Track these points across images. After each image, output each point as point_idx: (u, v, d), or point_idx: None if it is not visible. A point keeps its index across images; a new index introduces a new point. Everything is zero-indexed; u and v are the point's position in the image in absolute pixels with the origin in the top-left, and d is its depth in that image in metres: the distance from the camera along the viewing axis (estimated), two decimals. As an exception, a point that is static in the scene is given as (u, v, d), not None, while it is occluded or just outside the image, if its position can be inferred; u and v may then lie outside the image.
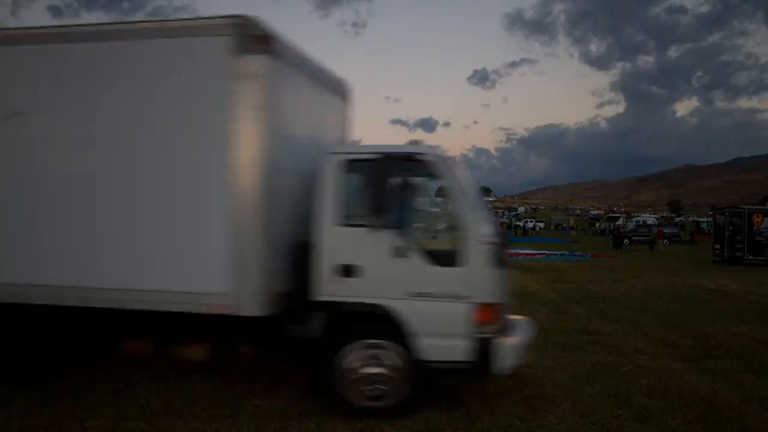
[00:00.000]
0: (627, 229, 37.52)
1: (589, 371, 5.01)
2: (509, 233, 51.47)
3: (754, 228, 18.56)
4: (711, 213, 32.38)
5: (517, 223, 64.49)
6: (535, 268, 16.45)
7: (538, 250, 25.73)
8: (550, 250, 25.27)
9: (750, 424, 3.79)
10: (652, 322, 7.61)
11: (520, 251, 24.73)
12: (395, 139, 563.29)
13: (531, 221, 63.80)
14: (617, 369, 5.09)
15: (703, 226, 41.04)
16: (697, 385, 4.65)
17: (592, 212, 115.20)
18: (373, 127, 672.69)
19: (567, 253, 24.10)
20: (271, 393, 4.33)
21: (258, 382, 4.60)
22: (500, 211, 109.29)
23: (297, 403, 4.10)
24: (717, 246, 19.81)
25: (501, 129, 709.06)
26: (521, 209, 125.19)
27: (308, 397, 4.23)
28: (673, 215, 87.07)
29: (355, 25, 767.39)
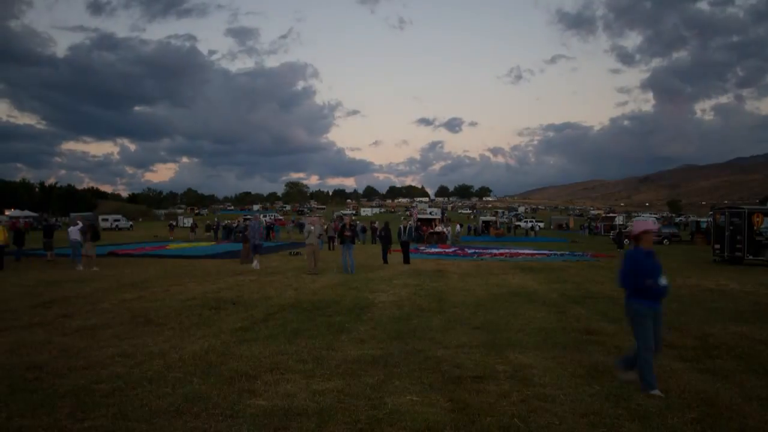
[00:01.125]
0: (627, 229, 37.55)
1: (589, 371, 5.01)
2: (509, 233, 51.68)
3: (754, 228, 18.56)
4: (711, 213, 32.36)
5: (517, 223, 64.53)
6: (535, 268, 16.46)
7: (538, 250, 25.74)
8: (550, 250, 25.30)
9: (750, 424, 3.79)
10: (652, 322, 7.60)
11: (521, 251, 24.76)
12: (417, 138, 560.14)
13: (531, 221, 63.83)
14: (617, 369, 5.08)
15: (703, 226, 41.00)
16: (697, 385, 4.65)
17: (592, 212, 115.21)
18: (398, 127, 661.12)
19: (567, 253, 24.10)
20: (271, 393, 4.34)
21: (258, 382, 4.61)
22: (500, 210, 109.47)
23: (297, 403, 4.10)
24: (717, 246, 19.81)
25: (526, 128, 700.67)
26: (521, 209, 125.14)
27: (308, 396, 4.24)
28: (673, 215, 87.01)
29: (401, 20, 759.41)
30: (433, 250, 26.00)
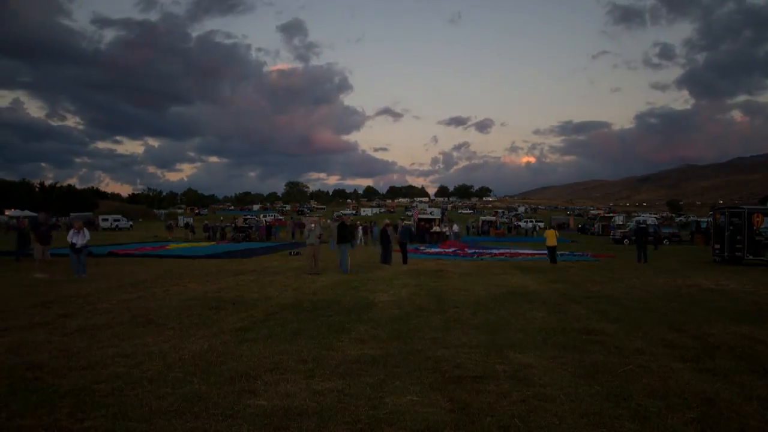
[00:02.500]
0: (627, 229, 37.54)
1: (589, 371, 5.01)
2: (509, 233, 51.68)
3: (754, 228, 18.56)
4: (711, 213, 32.36)
5: (517, 222, 64.52)
6: (536, 268, 16.46)
7: (538, 250, 25.73)
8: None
9: (750, 424, 3.79)
10: (652, 322, 7.61)
11: (521, 251, 24.76)
12: (445, 137, 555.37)
13: (531, 221, 63.83)
14: (617, 369, 5.09)
15: (703, 226, 40.99)
16: (697, 385, 4.65)
17: (592, 212, 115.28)
18: (429, 126, 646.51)
19: (567, 253, 24.10)
20: (271, 393, 4.34)
21: (258, 382, 4.61)
22: (500, 210, 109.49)
23: (297, 403, 4.10)
24: (717, 246, 19.81)
25: (549, 127, 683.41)
26: (521, 209, 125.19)
27: (308, 396, 4.24)
28: (673, 215, 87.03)
29: (453, 14, 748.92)
30: (433, 250, 26.01)
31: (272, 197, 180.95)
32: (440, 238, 33.42)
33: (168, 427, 3.64)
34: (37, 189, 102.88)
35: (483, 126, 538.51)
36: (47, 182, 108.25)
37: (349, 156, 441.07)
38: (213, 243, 31.85)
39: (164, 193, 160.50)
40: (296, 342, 6.12)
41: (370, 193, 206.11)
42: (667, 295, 10.60)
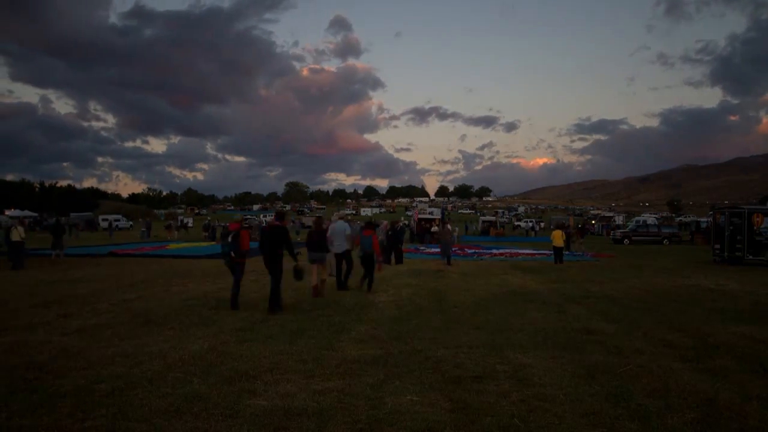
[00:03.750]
0: (627, 229, 37.55)
1: (589, 371, 5.01)
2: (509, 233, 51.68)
3: (754, 228, 18.56)
4: (711, 213, 32.34)
5: (517, 223, 64.54)
6: (536, 269, 16.47)
7: (537, 250, 25.73)
8: (550, 250, 25.27)
9: (750, 424, 3.79)
10: (652, 322, 7.61)
11: (521, 251, 24.77)
12: (471, 136, 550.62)
13: (531, 221, 63.86)
14: (617, 369, 5.09)
15: (703, 226, 41.01)
16: (697, 385, 4.65)
17: (592, 212, 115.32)
18: (457, 126, 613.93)
19: (567, 253, 24.09)
20: (271, 393, 4.34)
21: (258, 382, 4.61)
22: (500, 210, 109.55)
23: (297, 403, 4.10)
24: (717, 246, 19.82)
25: (571, 126, 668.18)
26: (521, 209, 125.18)
27: (308, 396, 4.24)
28: (673, 215, 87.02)
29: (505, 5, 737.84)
30: (433, 250, 26.00)
31: (272, 197, 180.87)
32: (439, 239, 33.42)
33: (168, 427, 3.64)
34: (37, 189, 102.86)
35: (511, 126, 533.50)
36: (69, 182, 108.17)
37: (370, 156, 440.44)
38: (213, 243, 31.84)
39: (164, 193, 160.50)
40: (296, 342, 6.12)
41: (370, 192, 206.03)
42: (667, 295, 10.60)
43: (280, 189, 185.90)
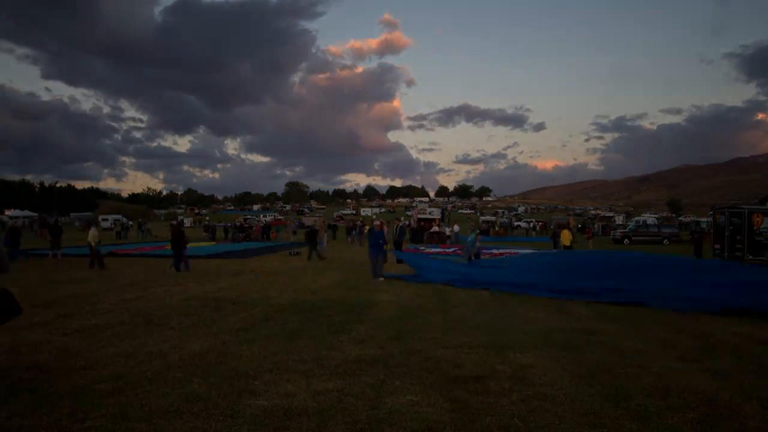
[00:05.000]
0: (627, 229, 37.55)
1: (589, 371, 5.01)
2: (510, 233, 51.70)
3: (754, 228, 18.56)
4: (711, 213, 32.33)
5: (517, 223, 64.57)
6: (535, 268, 16.46)
7: (537, 249, 25.72)
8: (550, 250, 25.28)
9: (750, 424, 3.79)
10: (652, 322, 7.61)
11: (521, 251, 24.77)
12: (496, 135, 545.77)
13: (531, 221, 63.91)
14: (617, 369, 5.09)
15: (703, 226, 41.02)
16: (697, 385, 4.65)
17: (592, 212, 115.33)
18: (485, 126, 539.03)
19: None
20: (271, 393, 4.34)
21: (258, 382, 4.61)
22: (500, 210, 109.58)
23: (297, 403, 4.10)
24: (717, 246, 19.82)
25: (591, 124, 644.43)
26: (521, 209, 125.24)
27: (308, 396, 4.24)
28: (674, 215, 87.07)
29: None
30: (433, 250, 26.01)
31: (272, 197, 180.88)
32: (440, 239, 33.36)
33: (168, 427, 3.64)
34: (37, 189, 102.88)
35: (539, 127, 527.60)
36: (91, 183, 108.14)
37: (392, 156, 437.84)
38: (213, 243, 31.85)
39: (164, 193, 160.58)
40: (296, 342, 6.12)
41: (370, 192, 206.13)
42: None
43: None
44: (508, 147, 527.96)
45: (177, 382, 4.60)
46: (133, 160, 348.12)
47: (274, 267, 16.34)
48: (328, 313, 8.01)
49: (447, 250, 25.20)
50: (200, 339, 6.26)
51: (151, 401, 4.11)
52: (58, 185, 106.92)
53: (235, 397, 4.22)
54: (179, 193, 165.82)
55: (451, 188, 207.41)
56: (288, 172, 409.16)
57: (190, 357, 5.42)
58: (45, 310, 8.16)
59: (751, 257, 18.42)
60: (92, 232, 16.42)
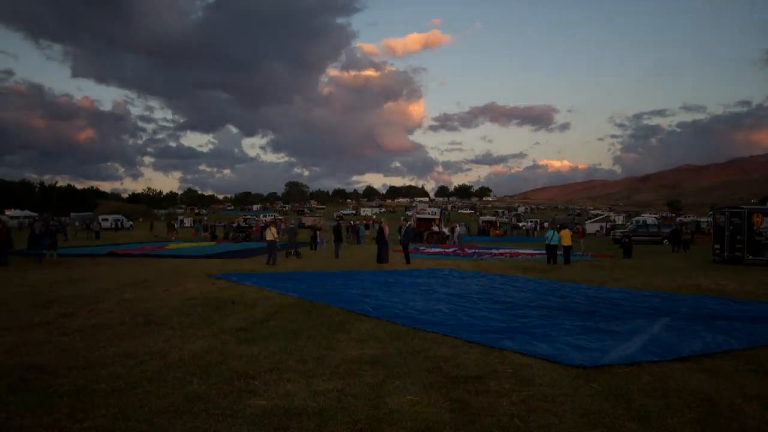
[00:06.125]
0: (627, 229, 37.53)
1: (589, 371, 5.01)
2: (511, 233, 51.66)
3: (754, 228, 18.56)
4: (711, 213, 32.31)
5: (517, 223, 64.60)
6: (536, 268, 16.46)
7: (538, 250, 25.73)
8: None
9: (750, 424, 3.79)
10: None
11: (521, 251, 24.77)
12: (519, 134, 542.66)
13: (532, 221, 63.93)
14: (617, 369, 5.09)
15: (703, 226, 40.98)
16: (697, 385, 4.65)
17: (592, 212, 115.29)
18: (511, 127, 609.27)
19: (580, 252, 24.06)
20: (271, 393, 4.34)
21: (258, 382, 4.61)
22: (500, 210, 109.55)
23: (297, 403, 4.10)
24: (717, 246, 19.81)
25: (609, 120, 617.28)
26: (521, 209, 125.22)
27: (308, 396, 4.24)
28: (673, 215, 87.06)
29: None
30: (434, 250, 26.01)
31: (272, 197, 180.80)
32: (439, 239, 33.25)
33: (168, 427, 3.64)
34: (37, 189, 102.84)
35: (564, 126, 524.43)
36: (113, 183, 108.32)
37: (413, 156, 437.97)
38: (213, 243, 31.85)
39: (164, 193, 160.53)
40: (296, 342, 6.12)
41: (370, 192, 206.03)
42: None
43: (312, 188, 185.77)
44: (531, 146, 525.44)
45: (177, 382, 4.60)
46: (153, 160, 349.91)
47: (274, 267, 16.34)
48: (328, 313, 8.01)
49: (447, 250, 25.20)
50: (200, 339, 6.26)
51: (151, 401, 4.11)
52: (57, 185, 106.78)
53: (235, 397, 4.22)
54: (205, 193, 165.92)
55: (476, 188, 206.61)
56: (306, 172, 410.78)
57: (190, 357, 5.42)
58: (45, 310, 8.16)
59: (751, 257, 18.42)
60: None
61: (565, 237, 18.98)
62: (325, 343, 6.05)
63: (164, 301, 9.23)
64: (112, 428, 3.62)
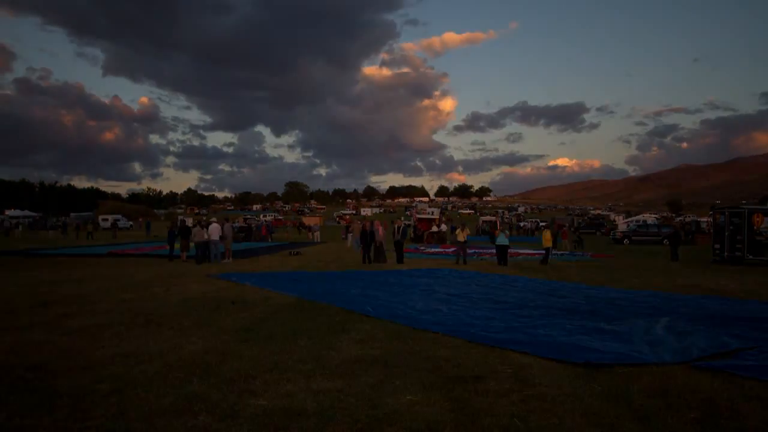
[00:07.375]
0: (627, 229, 37.54)
1: (589, 371, 5.01)
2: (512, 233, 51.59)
3: (754, 228, 18.56)
4: (711, 213, 32.32)
5: (518, 223, 64.56)
6: (536, 268, 16.47)
7: (538, 250, 25.72)
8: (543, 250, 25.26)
9: (750, 424, 3.79)
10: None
11: (521, 251, 24.76)
12: (543, 135, 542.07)
13: (534, 221, 63.92)
14: (617, 369, 5.09)
15: (703, 226, 41.02)
16: (697, 385, 4.65)
17: (592, 212, 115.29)
18: (536, 126, 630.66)
19: (567, 253, 24.12)
20: (271, 393, 4.34)
21: (258, 382, 4.61)
22: (500, 210, 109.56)
23: (297, 403, 4.10)
24: (717, 246, 19.82)
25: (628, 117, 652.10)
26: (521, 209, 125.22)
27: (308, 396, 4.24)
28: (673, 215, 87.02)
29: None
30: (433, 249, 26.00)
31: (272, 197, 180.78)
32: (440, 239, 33.20)
33: (168, 427, 3.64)
34: (37, 189, 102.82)
35: (592, 126, 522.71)
36: (132, 184, 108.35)
37: (434, 155, 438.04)
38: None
39: (164, 193, 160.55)
40: (296, 342, 6.12)
41: (370, 192, 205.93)
42: (667, 295, 10.57)
43: (330, 188, 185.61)
44: (556, 146, 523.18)
45: (177, 382, 4.59)
46: (175, 160, 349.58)
47: (275, 267, 16.34)
48: (328, 313, 8.01)
49: (447, 250, 25.19)
50: (200, 339, 6.25)
51: (151, 401, 4.10)
52: (57, 185, 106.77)
53: (235, 397, 4.22)
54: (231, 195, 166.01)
55: (475, 188, 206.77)
56: (325, 171, 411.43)
57: (190, 357, 5.42)
58: (45, 310, 8.17)
59: (751, 257, 18.42)
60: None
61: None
62: (325, 343, 6.05)
63: (164, 301, 9.24)
64: (112, 428, 3.61)
